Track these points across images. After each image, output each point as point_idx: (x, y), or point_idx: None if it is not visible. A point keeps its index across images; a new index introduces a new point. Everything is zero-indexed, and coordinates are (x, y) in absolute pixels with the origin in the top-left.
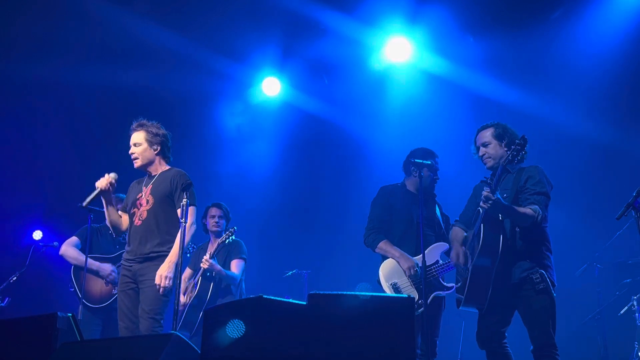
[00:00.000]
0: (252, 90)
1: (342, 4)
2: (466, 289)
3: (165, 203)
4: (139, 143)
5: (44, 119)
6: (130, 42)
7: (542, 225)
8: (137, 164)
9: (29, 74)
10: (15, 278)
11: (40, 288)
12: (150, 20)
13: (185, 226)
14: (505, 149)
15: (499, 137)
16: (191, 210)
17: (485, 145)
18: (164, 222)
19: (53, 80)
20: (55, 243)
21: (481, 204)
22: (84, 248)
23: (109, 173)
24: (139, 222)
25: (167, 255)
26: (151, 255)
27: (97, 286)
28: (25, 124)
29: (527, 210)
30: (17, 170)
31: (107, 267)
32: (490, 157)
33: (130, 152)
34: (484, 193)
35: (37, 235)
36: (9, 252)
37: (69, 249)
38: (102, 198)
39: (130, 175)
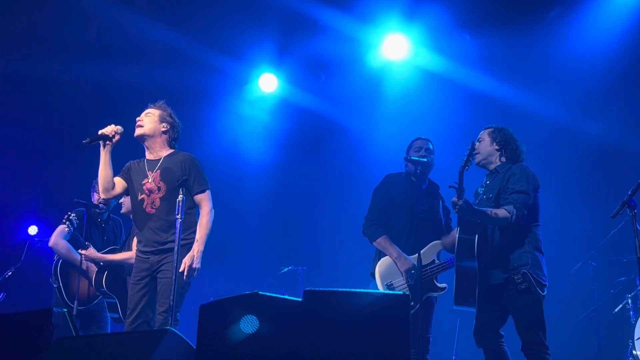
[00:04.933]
0: (249, 86)
1: (339, 1)
2: (455, 290)
3: (179, 191)
4: (151, 114)
5: (39, 114)
6: (126, 38)
7: (527, 224)
8: (139, 131)
9: (24, 70)
10: (10, 273)
11: (35, 283)
12: (147, 17)
13: (180, 222)
14: (497, 147)
15: (492, 135)
16: (207, 195)
17: (479, 140)
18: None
19: (49, 76)
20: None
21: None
22: (73, 239)
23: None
24: (153, 211)
25: (186, 244)
26: (169, 244)
27: (84, 284)
28: (20, 119)
29: (500, 211)
30: (12, 166)
31: (95, 269)
32: (478, 153)
33: (137, 118)
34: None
35: (33, 230)
36: (4, 247)
37: (61, 242)
38: (101, 147)
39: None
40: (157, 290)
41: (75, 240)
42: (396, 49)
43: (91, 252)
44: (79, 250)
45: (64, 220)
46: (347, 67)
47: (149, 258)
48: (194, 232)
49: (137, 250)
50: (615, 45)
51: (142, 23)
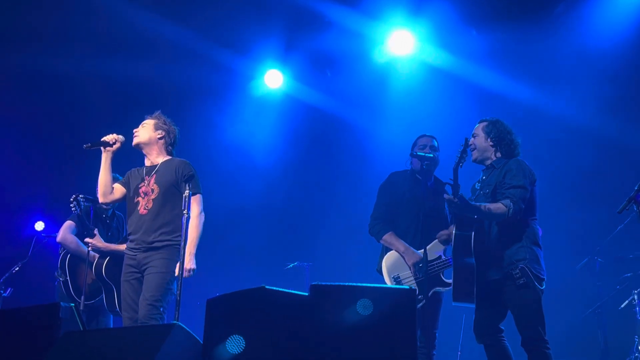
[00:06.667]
0: (254, 82)
1: None
2: (453, 286)
3: (171, 192)
4: (146, 124)
5: (46, 110)
6: (132, 34)
7: (525, 219)
8: (136, 140)
9: (30, 66)
10: (17, 268)
11: (42, 278)
12: (153, 12)
13: (187, 217)
14: (491, 143)
15: (486, 130)
16: (198, 198)
17: (474, 136)
18: (170, 212)
19: (56, 72)
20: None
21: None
22: (79, 233)
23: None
24: (145, 211)
25: (172, 245)
26: (156, 244)
27: (90, 279)
28: (27, 115)
29: (496, 205)
30: (19, 162)
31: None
32: (475, 149)
33: (134, 130)
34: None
35: (39, 226)
36: (11, 243)
37: (69, 237)
38: (102, 153)
39: (132, 166)
40: (143, 285)
41: (82, 225)
42: (402, 45)
43: (98, 240)
44: (85, 239)
45: (71, 200)
46: (353, 63)
47: (135, 255)
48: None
49: (127, 248)
50: (623, 39)
51: (148, 19)
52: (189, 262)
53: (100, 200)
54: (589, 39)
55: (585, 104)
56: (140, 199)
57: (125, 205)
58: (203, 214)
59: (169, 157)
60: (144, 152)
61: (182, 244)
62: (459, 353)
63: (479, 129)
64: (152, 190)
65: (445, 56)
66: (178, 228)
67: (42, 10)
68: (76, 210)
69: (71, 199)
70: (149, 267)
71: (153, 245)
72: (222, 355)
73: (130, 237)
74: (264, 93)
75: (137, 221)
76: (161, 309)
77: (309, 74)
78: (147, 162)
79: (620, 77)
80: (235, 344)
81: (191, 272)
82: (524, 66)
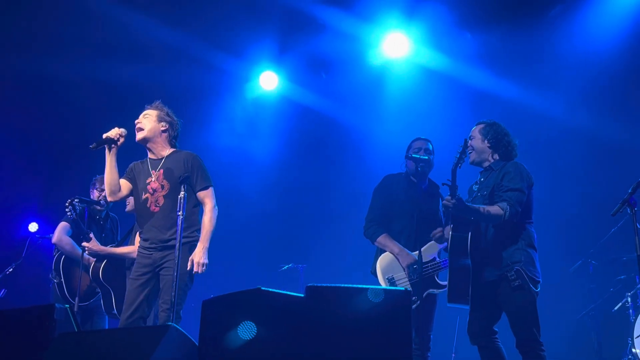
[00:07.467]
0: (249, 84)
1: None
2: (448, 287)
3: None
4: (149, 115)
5: (40, 112)
6: (127, 36)
7: (521, 222)
8: (140, 135)
9: (25, 68)
10: (11, 270)
11: (36, 280)
12: (148, 15)
13: (182, 218)
14: (488, 145)
15: (483, 132)
16: (210, 192)
17: (470, 138)
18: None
19: (51, 74)
20: None
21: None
22: (74, 236)
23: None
24: (157, 209)
25: (189, 242)
26: (172, 242)
27: (84, 281)
28: (21, 117)
29: (493, 208)
30: (13, 163)
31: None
32: (473, 151)
33: (136, 121)
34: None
35: (33, 227)
36: (5, 244)
37: (65, 238)
38: (106, 151)
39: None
40: (160, 287)
41: (77, 228)
42: (397, 47)
43: (94, 243)
44: (82, 244)
45: (66, 204)
46: (348, 65)
47: (151, 254)
48: (198, 230)
49: (140, 247)
50: (617, 42)
51: (144, 22)
52: (202, 257)
53: (109, 199)
54: (583, 42)
55: (579, 106)
56: (149, 195)
57: (119, 206)
58: (216, 207)
59: (174, 150)
60: (148, 145)
61: (177, 244)
62: (453, 355)
63: (475, 131)
64: (163, 187)
65: (440, 58)
66: (193, 223)
67: (39, 13)
68: (72, 214)
69: (66, 204)
70: (167, 268)
71: (169, 243)
72: (218, 357)
73: (144, 236)
74: (259, 95)
75: (149, 219)
76: (180, 312)
77: (304, 75)
78: (152, 156)
79: (614, 79)
80: (230, 345)
81: (204, 267)
82: (518, 68)
